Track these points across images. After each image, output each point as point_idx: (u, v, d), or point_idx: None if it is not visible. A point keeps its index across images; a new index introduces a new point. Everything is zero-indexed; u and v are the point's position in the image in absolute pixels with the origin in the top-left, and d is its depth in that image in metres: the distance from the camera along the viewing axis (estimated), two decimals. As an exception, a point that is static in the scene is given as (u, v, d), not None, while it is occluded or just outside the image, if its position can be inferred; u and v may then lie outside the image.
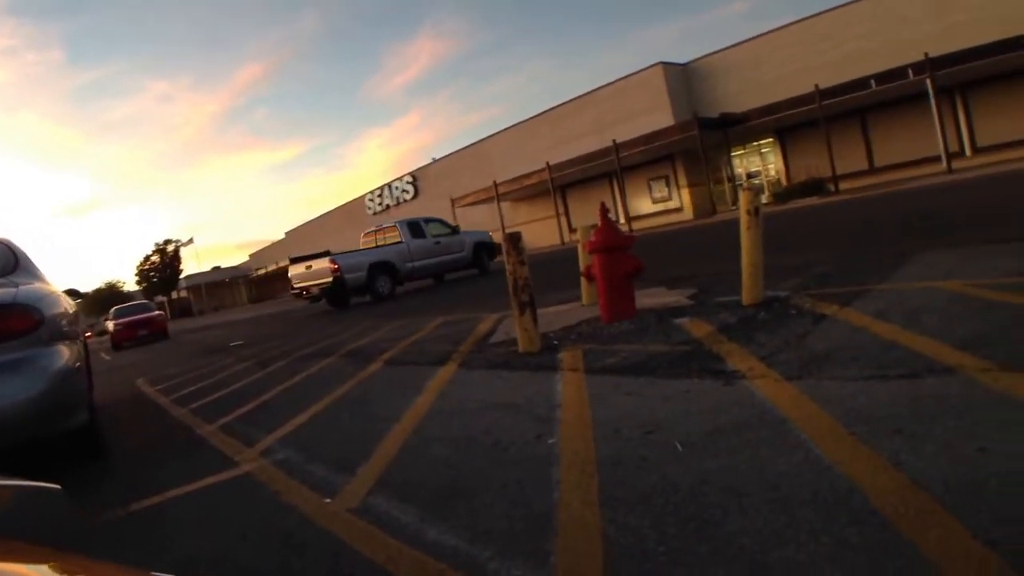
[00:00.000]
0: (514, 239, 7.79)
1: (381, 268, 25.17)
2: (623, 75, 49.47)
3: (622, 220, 45.06)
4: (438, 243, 27.73)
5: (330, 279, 24.02)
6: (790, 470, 3.46)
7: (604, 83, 51.06)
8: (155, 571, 1.15)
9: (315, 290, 25.07)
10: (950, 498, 2.91)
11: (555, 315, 9.92)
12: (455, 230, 29.63)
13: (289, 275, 26.65)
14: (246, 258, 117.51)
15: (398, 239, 26.68)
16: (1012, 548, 2.48)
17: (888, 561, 2.57)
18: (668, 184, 47.63)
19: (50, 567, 1.09)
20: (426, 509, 3.88)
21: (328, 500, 4.39)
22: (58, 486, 1.46)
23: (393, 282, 25.75)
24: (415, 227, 27.47)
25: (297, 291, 26.02)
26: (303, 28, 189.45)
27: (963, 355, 4.70)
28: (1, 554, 1.10)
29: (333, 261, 24.25)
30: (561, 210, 53.77)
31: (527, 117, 57.54)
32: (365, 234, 28.88)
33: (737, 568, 2.72)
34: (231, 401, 8.92)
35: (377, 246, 26.69)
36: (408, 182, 70.35)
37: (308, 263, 25.58)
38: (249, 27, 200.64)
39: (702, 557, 2.84)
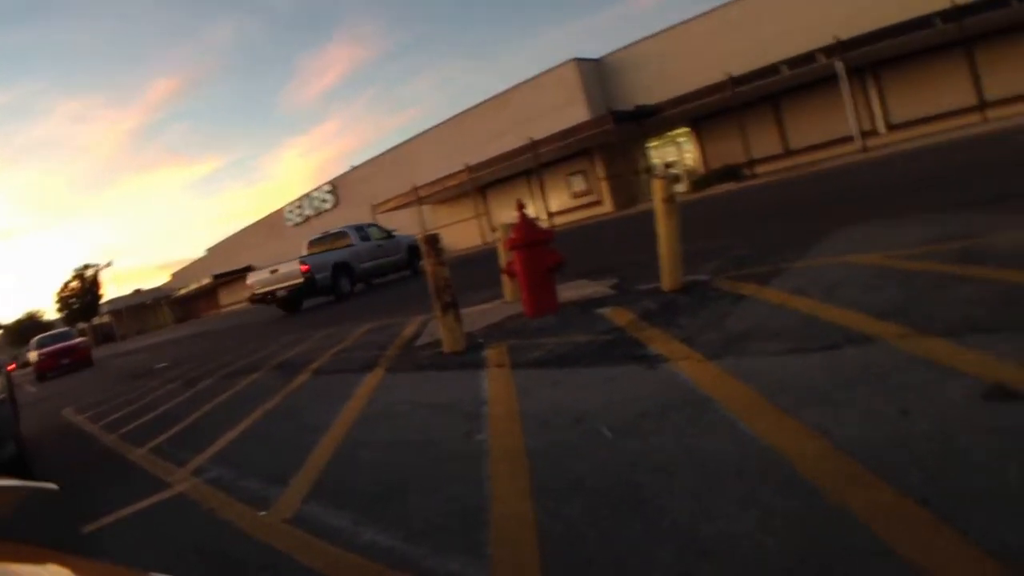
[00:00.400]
0: (432, 241, 7.75)
1: (342, 268, 26.03)
2: (538, 72, 49.77)
3: (543, 216, 45.15)
4: (380, 246, 28.86)
5: (301, 280, 24.54)
6: (717, 446, 3.48)
7: (519, 81, 51.23)
8: (153, 572, 1.12)
9: (283, 292, 25.39)
10: (876, 461, 2.94)
11: (479, 314, 9.89)
12: (390, 234, 30.61)
13: (248, 282, 26.93)
14: (168, 278, 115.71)
15: (348, 243, 27.49)
16: (943, 504, 2.52)
17: (818, 526, 2.59)
18: (587, 178, 47.75)
19: (49, 567, 1.06)
20: (361, 513, 3.85)
21: (263, 513, 4.32)
22: (55, 486, 1.43)
23: (352, 281, 26.70)
24: (362, 231, 28.62)
25: (261, 295, 26.17)
26: (216, 40, 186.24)
27: (882, 324, 4.77)
28: (2, 555, 1.07)
29: (303, 262, 24.79)
30: (482, 210, 53.83)
31: (445, 119, 57.47)
32: (311, 242, 29.18)
33: (670, 544, 2.73)
34: (161, 423, 8.72)
35: (329, 250, 27.17)
36: (327, 191, 69.60)
37: (273, 267, 25.87)
38: (160, 41, 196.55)
39: (635, 536, 2.85)
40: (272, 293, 25.81)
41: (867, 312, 5.12)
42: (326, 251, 26.82)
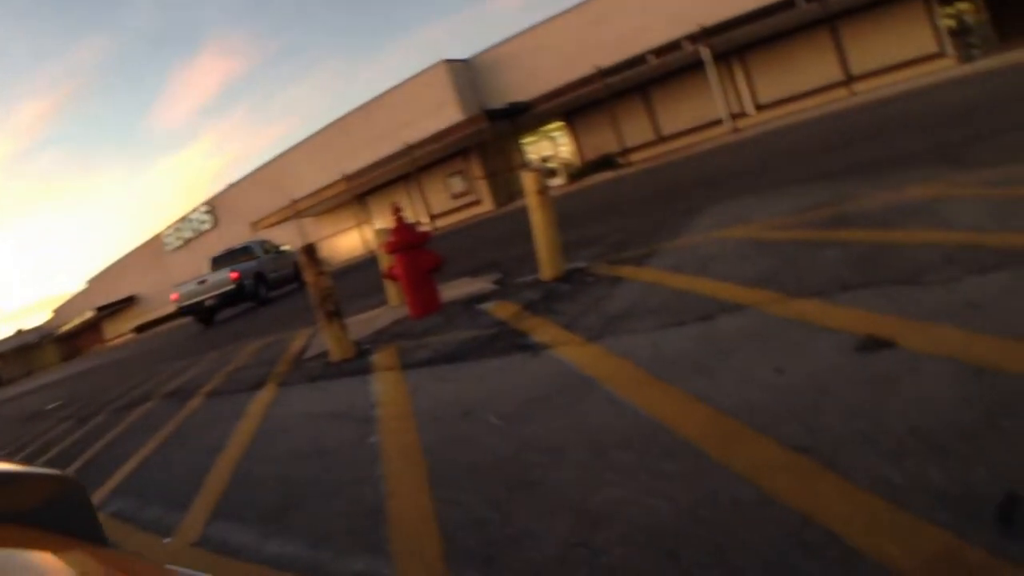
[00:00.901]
0: (310, 251, 7.68)
1: (259, 277, 28.81)
2: (409, 76, 49.50)
3: (424, 219, 45.19)
4: (276, 259, 31.33)
5: (232, 287, 27.14)
6: (602, 422, 3.54)
7: (392, 86, 50.85)
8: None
9: (211, 301, 27.43)
10: (755, 419, 3.04)
11: (366, 321, 9.86)
12: (279, 249, 32.78)
13: (174, 296, 28.58)
14: (50, 315, 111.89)
15: (254, 256, 30.01)
16: (823, 452, 2.62)
17: (705, 484, 2.67)
18: (465, 178, 47.83)
19: (66, 556, 1.04)
20: (265, 527, 3.81)
21: (168, 540, 4.22)
22: (71, 474, 1.39)
23: (266, 288, 29.09)
24: (263, 246, 31.51)
25: (188, 306, 28.06)
26: (82, 60, 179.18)
27: (754, 292, 4.92)
28: (18, 543, 1.04)
29: (233, 271, 27.28)
30: (363, 218, 53.46)
31: (320, 129, 56.61)
32: (215, 259, 30.82)
33: (565, 516, 2.79)
34: (57, 463, 8.41)
35: (239, 262, 29.23)
36: (205, 211, 67.83)
37: (201, 279, 28.06)
38: (25, 65, 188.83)
39: (531, 515, 2.90)
40: (200, 303, 27.57)
41: (740, 282, 5.27)
42: (240, 263, 29.02)
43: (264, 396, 7.51)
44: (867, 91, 31.76)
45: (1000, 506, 2.05)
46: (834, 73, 35.26)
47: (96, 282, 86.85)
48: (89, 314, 79.92)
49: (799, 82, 36.04)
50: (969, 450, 2.37)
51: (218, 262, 30.49)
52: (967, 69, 24.05)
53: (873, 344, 3.41)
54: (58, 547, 1.10)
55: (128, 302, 76.62)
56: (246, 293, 27.53)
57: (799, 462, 2.61)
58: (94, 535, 1.25)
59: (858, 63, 34.55)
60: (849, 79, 34.82)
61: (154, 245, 73.18)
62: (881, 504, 2.25)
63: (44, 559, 1.00)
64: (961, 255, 4.35)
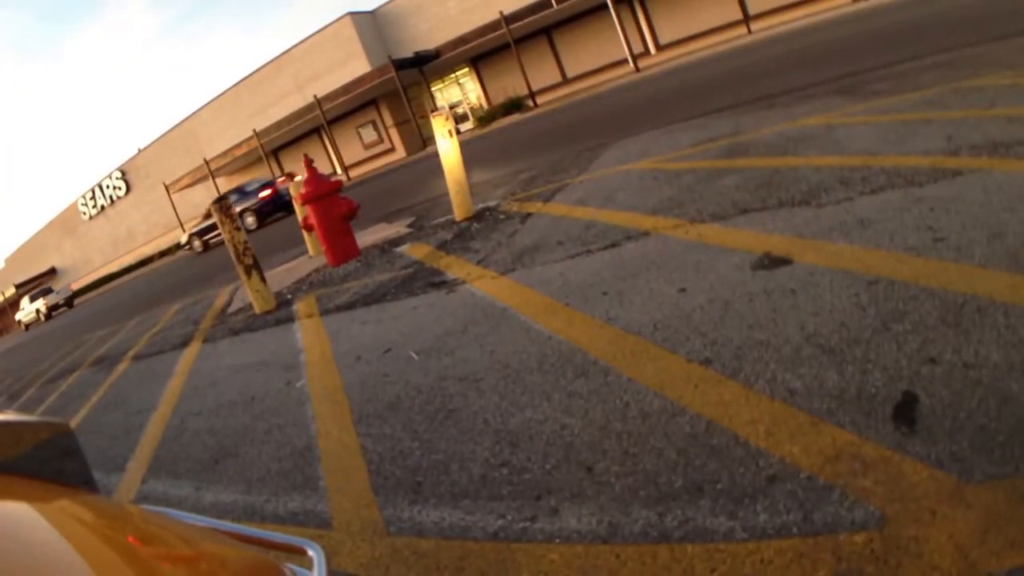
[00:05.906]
0: (223, 206, 7.61)
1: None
2: (315, 31, 48.84)
3: (338, 170, 44.90)
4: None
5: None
6: (517, 348, 3.66)
7: (298, 40, 50.17)
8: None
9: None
10: (660, 336, 3.18)
11: (286, 272, 9.85)
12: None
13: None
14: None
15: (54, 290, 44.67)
16: (726, 363, 2.77)
17: (615, 400, 2.79)
18: (376, 128, 47.47)
19: (58, 503, 1.07)
20: (200, 478, 3.85)
21: (106, 503, 4.25)
22: (67, 422, 1.41)
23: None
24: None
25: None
26: None
27: (656, 219, 5.07)
28: (10, 490, 1.07)
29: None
30: (278, 174, 52.79)
31: (229, 86, 55.35)
32: (32, 295, 46.59)
33: (484, 439, 2.90)
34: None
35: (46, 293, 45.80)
36: (118, 178, 66.16)
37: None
38: None
39: (452, 440, 3.01)
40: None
41: (644, 211, 5.43)
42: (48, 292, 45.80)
43: (191, 353, 7.49)
44: (763, 29, 32.03)
45: (897, 405, 2.20)
46: (733, 12, 35.52)
47: (13, 260, 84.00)
48: (9, 292, 77.31)
49: (699, 22, 36.33)
50: (864, 354, 2.51)
51: (34, 296, 45.61)
52: (863, 5, 24.31)
53: (771, 262, 3.57)
54: (50, 494, 1.16)
55: (49, 275, 74.22)
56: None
57: (703, 373, 2.75)
58: (85, 482, 1.30)
59: (755, 2, 34.82)
60: (747, 18, 35.11)
61: (69, 215, 71.00)
62: (782, 408, 2.38)
63: (36, 507, 1.05)
64: (854, 177, 4.53)
